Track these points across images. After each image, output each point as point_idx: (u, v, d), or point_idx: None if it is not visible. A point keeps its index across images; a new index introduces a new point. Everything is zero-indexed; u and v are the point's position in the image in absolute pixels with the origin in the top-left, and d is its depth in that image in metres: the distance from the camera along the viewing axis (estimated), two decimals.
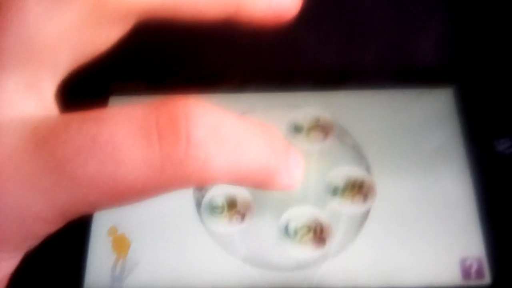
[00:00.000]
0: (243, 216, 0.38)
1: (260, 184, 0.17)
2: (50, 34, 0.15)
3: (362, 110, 0.42)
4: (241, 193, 0.38)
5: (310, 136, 0.41)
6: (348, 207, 0.39)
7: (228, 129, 0.16)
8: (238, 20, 0.19)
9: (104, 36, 0.17)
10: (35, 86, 0.16)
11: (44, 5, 0.15)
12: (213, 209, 0.39)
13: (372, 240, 0.37)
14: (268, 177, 0.17)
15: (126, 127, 0.14)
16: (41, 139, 0.14)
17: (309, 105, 0.42)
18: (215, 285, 0.37)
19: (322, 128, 0.41)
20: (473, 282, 0.36)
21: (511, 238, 0.37)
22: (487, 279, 0.36)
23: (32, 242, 0.16)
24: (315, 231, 0.38)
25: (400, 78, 0.42)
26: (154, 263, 0.37)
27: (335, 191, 0.39)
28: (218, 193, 0.39)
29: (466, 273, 0.36)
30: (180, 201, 0.39)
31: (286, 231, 0.38)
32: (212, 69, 0.42)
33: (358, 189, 0.39)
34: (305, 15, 0.46)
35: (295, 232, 0.38)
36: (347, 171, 0.40)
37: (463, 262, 0.36)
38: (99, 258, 0.38)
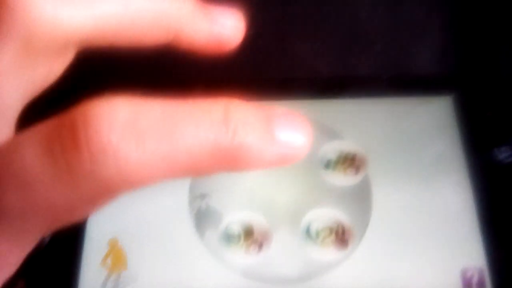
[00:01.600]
0: (260, 246, 0.37)
1: (225, 168, 0.15)
2: None
3: (361, 118, 0.42)
4: (258, 221, 0.38)
5: None
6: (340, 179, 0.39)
7: (148, 120, 0.14)
8: (178, 46, 0.19)
9: (45, 71, 0.17)
10: None
11: None
12: (229, 238, 0.38)
13: (372, 250, 0.37)
14: (231, 159, 0.15)
15: (34, 148, 0.14)
16: None
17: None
18: None
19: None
20: None
21: None
22: None
23: (5, 274, 0.16)
24: (337, 233, 0.38)
25: (400, 86, 0.42)
26: (150, 278, 0.37)
27: (327, 165, 0.40)
28: (233, 221, 0.38)
29: (467, 284, 0.36)
30: (176, 214, 0.39)
31: (307, 232, 0.38)
32: (208, 77, 0.42)
33: (350, 162, 0.40)
34: (303, 24, 0.46)
35: (317, 234, 0.38)
36: (339, 144, 0.40)
37: (464, 273, 0.36)
38: (91, 274, 0.37)
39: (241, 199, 0.39)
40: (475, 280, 0.36)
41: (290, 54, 0.44)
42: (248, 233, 0.37)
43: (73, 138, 0.14)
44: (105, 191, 0.14)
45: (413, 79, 0.42)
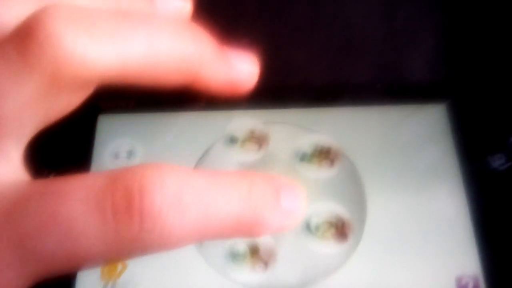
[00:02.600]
0: (266, 264, 0.37)
1: (241, 236, 0.17)
2: (12, 110, 0.16)
3: (354, 126, 0.42)
4: (264, 239, 0.37)
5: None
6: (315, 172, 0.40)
7: (191, 194, 0.16)
8: (196, 88, 0.20)
9: (65, 103, 0.18)
10: (3, 156, 0.17)
11: (4, 82, 0.16)
12: (235, 256, 0.37)
13: (366, 258, 0.37)
14: (248, 229, 0.17)
15: (82, 203, 0.15)
16: (7, 211, 0.15)
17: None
18: None
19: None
20: None
21: (508, 256, 0.36)
22: None
23: None
24: (337, 227, 0.38)
25: (393, 94, 0.42)
26: (147, 286, 0.37)
27: (303, 158, 0.40)
28: (239, 239, 0.38)
29: None
30: None
31: (308, 227, 0.38)
32: None
33: (325, 155, 0.40)
34: (297, 31, 0.46)
35: (317, 228, 0.38)
36: (315, 138, 0.41)
37: (459, 280, 0.36)
38: (88, 282, 0.37)
39: None
40: (470, 287, 0.36)
41: (283, 61, 0.44)
42: (254, 251, 0.37)
43: (127, 204, 0.15)
44: (142, 252, 0.16)
45: (406, 87, 0.42)
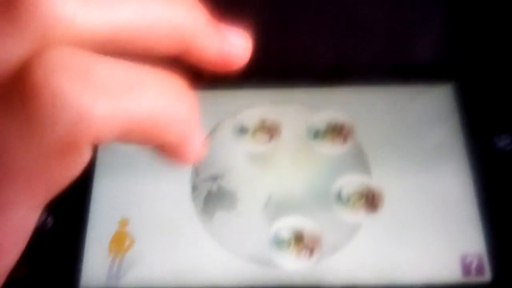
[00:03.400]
0: (311, 251, 0.37)
1: (161, 139, 0.16)
2: (1, 74, 0.15)
3: (361, 106, 0.42)
4: (309, 226, 0.38)
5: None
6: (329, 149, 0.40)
7: (114, 74, 0.15)
8: (187, 58, 0.19)
9: None
10: None
11: None
12: (280, 243, 0.38)
13: (372, 237, 0.37)
14: (177, 136, 0.16)
15: None
16: None
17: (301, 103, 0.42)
18: (214, 283, 0.36)
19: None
20: (474, 278, 0.36)
21: None
22: (487, 275, 0.36)
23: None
24: (367, 197, 0.39)
25: (400, 74, 0.42)
26: (152, 261, 0.37)
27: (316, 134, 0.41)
28: (283, 226, 0.38)
29: (466, 269, 0.36)
30: (178, 200, 0.39)
31: (339, 197, 0.39)
32: None
33: (338, 132, 0.41)
34: (304, 12, 0.46)
35: (348, 199, 0.39)
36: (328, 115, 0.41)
37: (463, 259, 0.36)
38: (96, 256, 0.37)
39: (255, 178, 0.40)
40: (474, 265, 0.36)
41: (292, 42, 0.44)
42: (299, 238, 0.38)
43: (34, 89, 0.14)
44: (70, 142, 0.14)
45: (413, 67, 0.42)
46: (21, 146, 0.15)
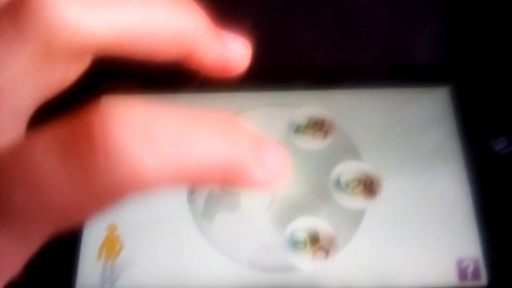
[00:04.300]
0: (327, 252, 0.37)
1: (223, 181, 0.16)
2: (6, 79, 0.15)
3: (358, 109, 0.42)
4: (324, 228, 0.38)
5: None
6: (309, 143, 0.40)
7: (162, 125, 0.15)
8: (188, 64, 0.19)
9: (62, 74, 0.17)
10: None
11: None
12: (296, 244, 0.38)
13: (368, 240, 0.37)
14: (232, 174, 0.16)
15: (46, 147, 0.14)
16: None
17: (306, 104, 0.42)
18: (208, 286, 0.36)
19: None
20: (470, 283, 0.36)
21: (508, 239, 0.37)
22: (483, 280, 0.36)
23: (7, 273, 0.16)
24: (365, 184, 0.39)
25: (396, 77, 0.42)
26: (146, 265, 0.37)
27: (297, 129, 0.41)
28: (299, 227, 0.38)
29: (462, 274, 0.36)
30: (174, 203, 0.39)
31: (337, 183, 0.39)
32: None
33: (319, 126, 0.41)
34: (301, 14, 0.46)
35: (347, 185, 0.39)
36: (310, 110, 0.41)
37: (459, 263, 0.36)
38: (90, 259, 0.37)
39: None
40: (470, 270, 0.36)
41: (288, 44, 0.43)
42: (315, 239, 0.38)
43: (88, 138, 0.14)
44: (115, 192, 0.14)
45: (410, 70, 0.42)
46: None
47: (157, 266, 0.37)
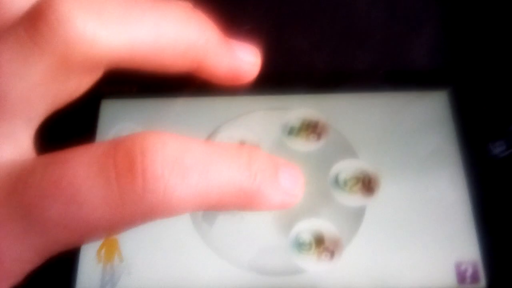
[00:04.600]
0: (332, 253, 0.37)
1: (242, 207, 0.18)
2: (21, 90, 0.16)
3: (356, 113, 0.42)
4: (329, 229, 0.38)
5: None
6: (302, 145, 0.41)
7: (192, 158, 0.16)
8: (199, 75, 0.20)
9: (74, 86, 0.18)
10: (11, 136, 0.17)
11: (15, 63, 0.16)
12: (301, 246, 0.38)
13: (367, 243, 0.37)
14: (249, 199, 0.17)
15: (86, 168, 0.15)
16: (11, 185, 0.16)
17: (300, 107, 0.42)
18: None
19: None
20: (469, 286, 0.36)
21: (507, 242, 0.37)
22: (482, 283, 0.36)
23: (13, 280, 0.17)
24: (363, 181, 0.39)
25: (395, 81, 0.42)
26: (145, 268, 0.37)
27: (291, 131, 0.41)
28: (304, 229, 0.38)
29: (461, 277, 0.36)
30: None
31: (336, 181, 0.39)
32: None
33: (312, 128, 0.41)
34: (299, 18, 0.46)
35: (345, 183, 0.39)
36: (303, 113, 0.42)
37: (458, 266, 0.36)
38: (90, 262, 0.37)
39: None
40: (469, 273, 0.36)
41: (286, 48, 0.44)
42: (320, 241, 0.38)
43: (129, 165, 0.15)
44: (146, 216, 0.16)
45: (408, 74, 0.42)
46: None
47: (156, 269, 0.37)
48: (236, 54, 0.21)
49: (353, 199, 0.39)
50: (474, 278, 0.36)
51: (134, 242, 0.38)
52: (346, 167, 0.40)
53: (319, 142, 0.41)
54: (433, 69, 0.43)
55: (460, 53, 0.43)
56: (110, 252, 0.37)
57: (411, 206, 0.38)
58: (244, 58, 0.21)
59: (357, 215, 0.38)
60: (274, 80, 0.42)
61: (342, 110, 0.42)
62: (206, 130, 0.41)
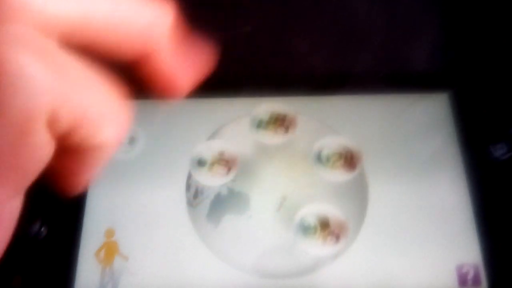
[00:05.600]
0: (337, 237, 0.37)
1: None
2: None
3: (357, 115, 0.42)
4: (334, 213, 0.38)
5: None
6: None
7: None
8: (143, 68, 0.19)
9: None
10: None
11: None
12: (306, 230, 0.38)
13: (368, 246, 0.37)
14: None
15: None
16: None
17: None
18: None
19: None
20: None
21: (508, 245, 0.36)
22: (483, 286, 0.36)
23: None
24: (345, 158, 0.39)
25: (396, 83, 0.42)
26: (144, 270, 0.37)
27: (259, 125, 0.41)
28: (309, 213, 0.38)
29: (462, 280, 0.36)
30: (172, 207, 0.39)
31: (319, 158, 0.40)
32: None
33: (280, 122, 0.41)
34: (300, 21, 0.46)
35: (328, 159, 0.39)
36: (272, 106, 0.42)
37: (459, 269, 0.36)
38: (89, 265, 0.37)
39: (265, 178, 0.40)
40: (470, 276, 0.36)
41: (286, 50, 0.44)
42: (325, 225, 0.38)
43: None
44: (29, 117, 0.15)
45: (409, 76, 0.42)
46: None
47: (155, 271, 0.37)
48: (188, 52, 0.20)
49: (336, 174, 0.39)
50: (476, 280, 0.36)
51: (133, 245, 0.38)
52: (328, 144, 0.40)
53: (287, 135, 0.41)
54: (434, 71, 0.43)
55: (461, 56, 0.43)
56: (110, 253, 0.37)
57: (412, 209, 0.38)
58: (194, 59, 0.20)
59: (358, 217, 0.38)
60: (274, 82, 0.42)
61: (344, 112, 0.42)
62: (206, 131, 0.41)
